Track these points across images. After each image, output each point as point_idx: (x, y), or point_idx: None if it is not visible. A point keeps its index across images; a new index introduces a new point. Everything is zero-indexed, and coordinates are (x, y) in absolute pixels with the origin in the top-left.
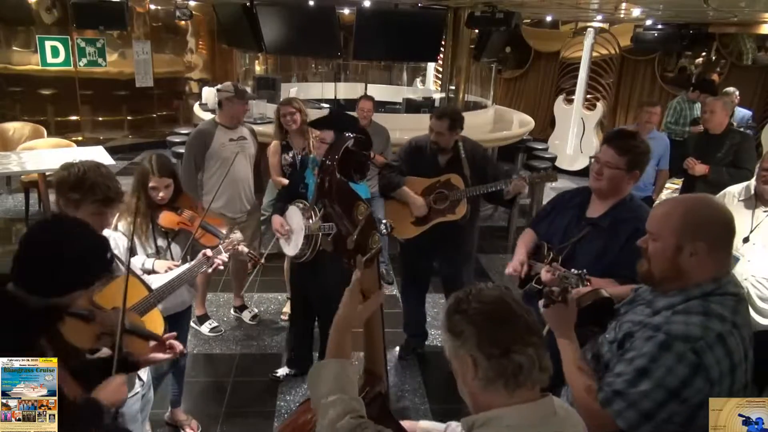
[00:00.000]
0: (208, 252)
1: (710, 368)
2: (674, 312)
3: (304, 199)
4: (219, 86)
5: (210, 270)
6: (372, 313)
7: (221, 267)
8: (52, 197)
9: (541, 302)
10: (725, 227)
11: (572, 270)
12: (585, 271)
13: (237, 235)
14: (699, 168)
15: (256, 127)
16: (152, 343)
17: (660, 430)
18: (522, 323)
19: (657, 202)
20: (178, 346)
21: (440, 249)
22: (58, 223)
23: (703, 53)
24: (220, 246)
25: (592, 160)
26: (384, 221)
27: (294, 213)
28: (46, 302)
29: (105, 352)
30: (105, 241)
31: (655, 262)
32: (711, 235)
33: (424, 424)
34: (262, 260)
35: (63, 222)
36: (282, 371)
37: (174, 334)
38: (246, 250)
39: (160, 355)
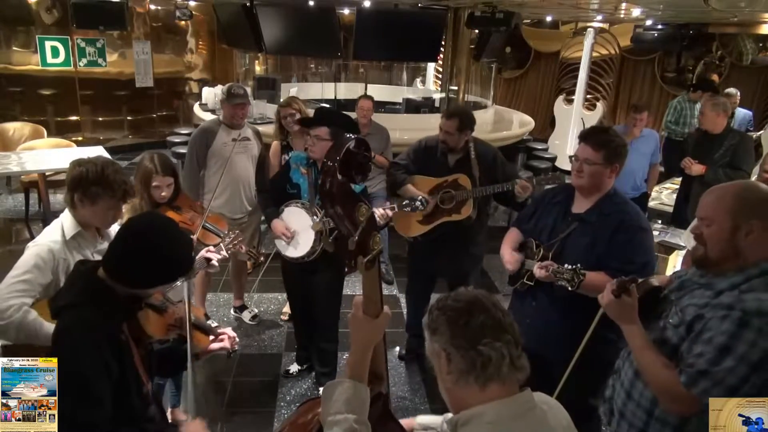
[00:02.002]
0: (212, 249)
1: None
2: (741, 291)
3: (295, 199)
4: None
5: (203, 269)
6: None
7: (217, 267)
8: (52, 197)
9: (606, 293)
10: None
11: (566, 265)
12: (579, 265)
13: (237, 233)
14: (696, 168)
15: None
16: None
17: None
18: (494, 320)
19: (654, 194)
20: (233, 335)
21: (448, 250)
22: (156, 223)
23: (704, 55)
24: (221, 244)
25: (572, 158)
26: (420, 197)
27: (295, 213)
28: (129, 292)
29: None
30: (191, 242)
31: (712, 245)
32: (765, 214)
33: (421, 418)
34: (262, 258)
35: (160, 221)
36: (294, 367)
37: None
38: (244, 248)
39: (215, 345)
